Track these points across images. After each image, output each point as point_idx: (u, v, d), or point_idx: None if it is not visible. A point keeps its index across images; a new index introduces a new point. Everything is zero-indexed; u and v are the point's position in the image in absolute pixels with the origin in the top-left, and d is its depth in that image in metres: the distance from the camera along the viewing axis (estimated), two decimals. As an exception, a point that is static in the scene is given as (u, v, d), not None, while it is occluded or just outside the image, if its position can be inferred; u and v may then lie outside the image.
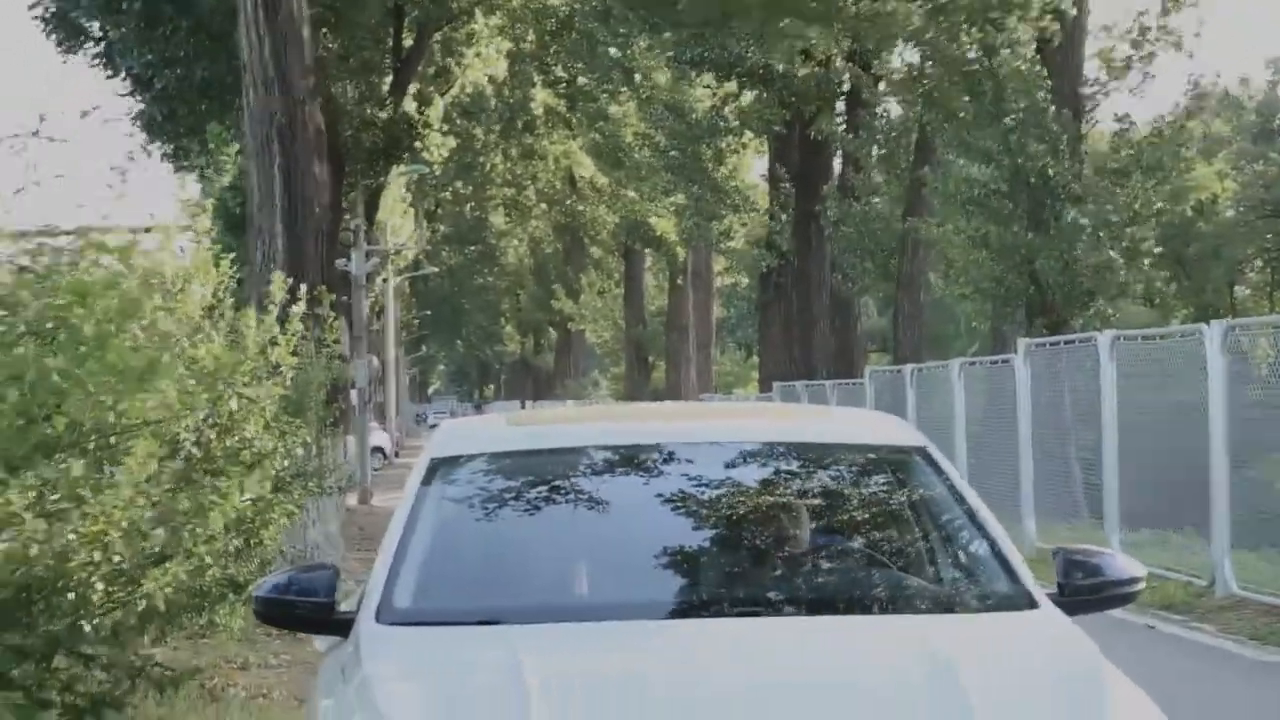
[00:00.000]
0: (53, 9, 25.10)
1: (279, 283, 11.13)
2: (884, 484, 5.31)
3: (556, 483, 5.08)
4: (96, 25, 25.27)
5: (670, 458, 5.17)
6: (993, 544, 4.80)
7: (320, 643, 4.92)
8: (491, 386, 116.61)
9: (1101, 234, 22.61)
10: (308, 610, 4.58)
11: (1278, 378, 13.38)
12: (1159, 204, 23.52)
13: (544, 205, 61.72)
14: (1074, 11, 23.95)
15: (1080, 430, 17.13)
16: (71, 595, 5.86)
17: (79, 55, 26.00)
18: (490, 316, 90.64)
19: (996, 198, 23.43)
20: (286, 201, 16.84)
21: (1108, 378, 15.97)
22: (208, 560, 8.16)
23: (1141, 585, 4.87)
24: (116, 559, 6.16)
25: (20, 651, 5.31)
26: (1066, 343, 18.19)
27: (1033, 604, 4.56)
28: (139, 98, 25.17)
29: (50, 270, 6.47)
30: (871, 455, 5.32)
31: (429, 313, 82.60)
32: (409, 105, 31.15)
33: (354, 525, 22.68)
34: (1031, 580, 4.65)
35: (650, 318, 64.52)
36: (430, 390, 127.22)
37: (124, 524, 6.23)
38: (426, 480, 4.95)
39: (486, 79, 39.96)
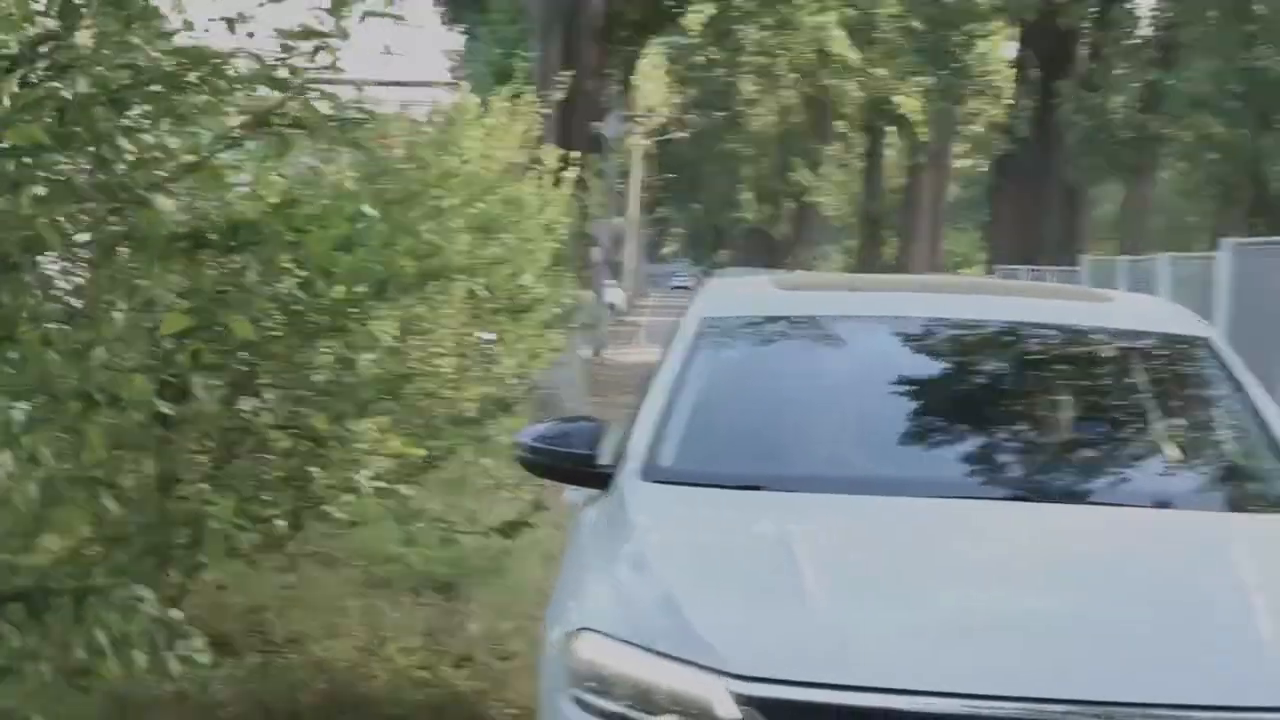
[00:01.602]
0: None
1: (553, 155, 13.17)
2: (1168, 374, 5.17)
3: (826, 352, 5.04)
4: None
5: (947, 335, 5.08)
6: (1277, 442, 4.65)
7: (570, 494, 4.94)
8: (725, 252, 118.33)
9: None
10: (571, 461, 4.57)
11: None
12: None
13: (794, 76, 62.94)
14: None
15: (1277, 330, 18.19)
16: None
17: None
18: (730, 182, 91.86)
19: (1229, 98, 24.24)
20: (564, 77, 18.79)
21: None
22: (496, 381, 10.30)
23: None
24: (446, 372, 8.20)
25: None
26: (1270, 244, 19.21)
27: None
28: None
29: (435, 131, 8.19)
30: (1155, 344, 5.17)
31: (672, 175, 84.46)
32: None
33: (589, 377, 24.79)
34: None
35: (887, 194, 65.41)
36: (665, 252, 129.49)
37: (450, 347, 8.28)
38: (695, 340, 4.88)
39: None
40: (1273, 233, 21.72)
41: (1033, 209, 35.06)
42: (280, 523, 5.51)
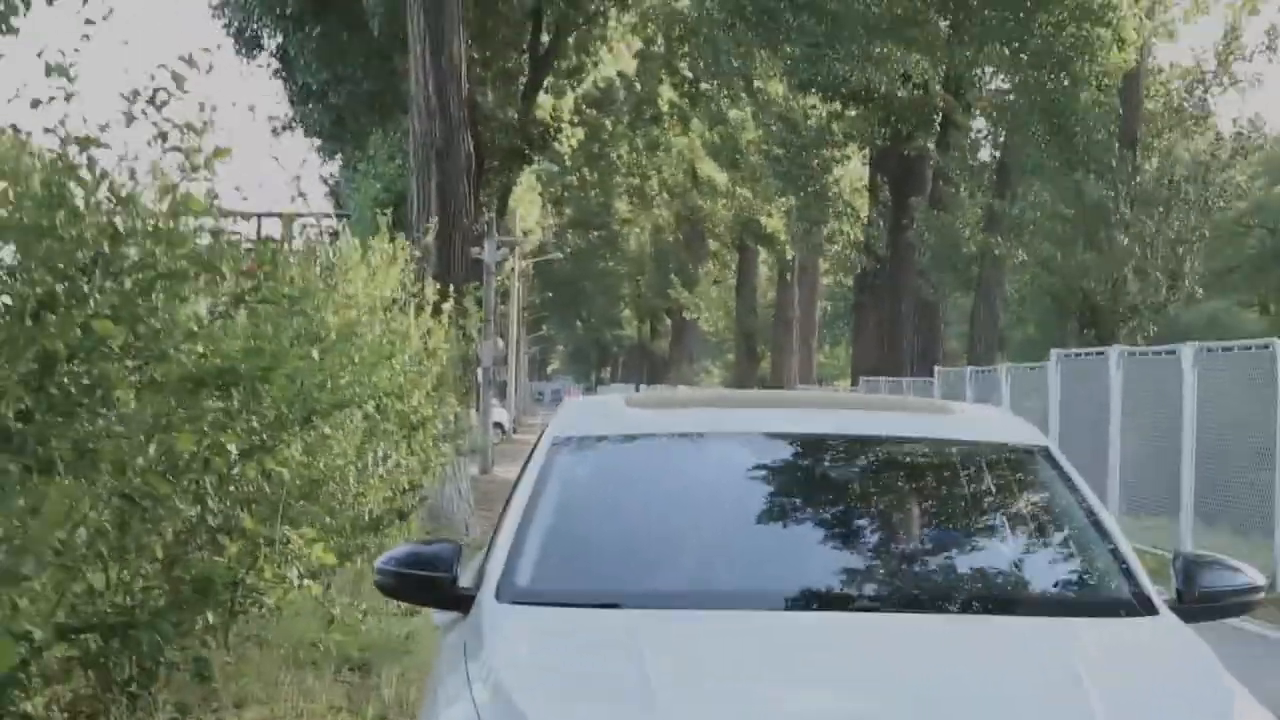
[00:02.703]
0: (236, 23, 29.00)
1: (431, 288, 14.75)
2: (1007, 483, 5.26)
3: (678, 468, 5.12)
4: (275, 41, 29.17)
5: (793, 448, 5.18)
6: (1113, 547, 4.77)
7: (438, 616, 5.12)
8: (608, 368, 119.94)
9: (1147, 254, 25.61)
10: (429, 584, 4.61)
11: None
12: (1203, 232, 26.36)
13: (666, 195, 65.26)
14: (1135, 59, 26.86)
15: (1096, 428, 20.14)
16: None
17: (254, 64, 29.94)
18: (610, 300, 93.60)
19: (1059, 223, 26.48)
20: (441, 212, 20.43)
21: (1115, 386, 19.06)
22: (389, 491, 11.78)
23: (1262, 594, 4.82)
24: (350, 483, 9.67)
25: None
26: (1086, 354, 21.26)
27: (1152, 609, 4.53)
28: (310, 106, 28.99)
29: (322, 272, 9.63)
30: (994, 454, 5.28)
31: (551, 294, 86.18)
32: (543, 100, 34.54)
33: (477, 491, 26.19)
34: (1150, 585, 4.64)
35: (761, 310, 67.66)
36: (550, 370, 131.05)
37: (352, 461, 9.76)
38: (550, 459, 4.95)
39: (617, 74, 43.45)
40: (1103, 343, 23.82)
41: (891, 323, 37.22)
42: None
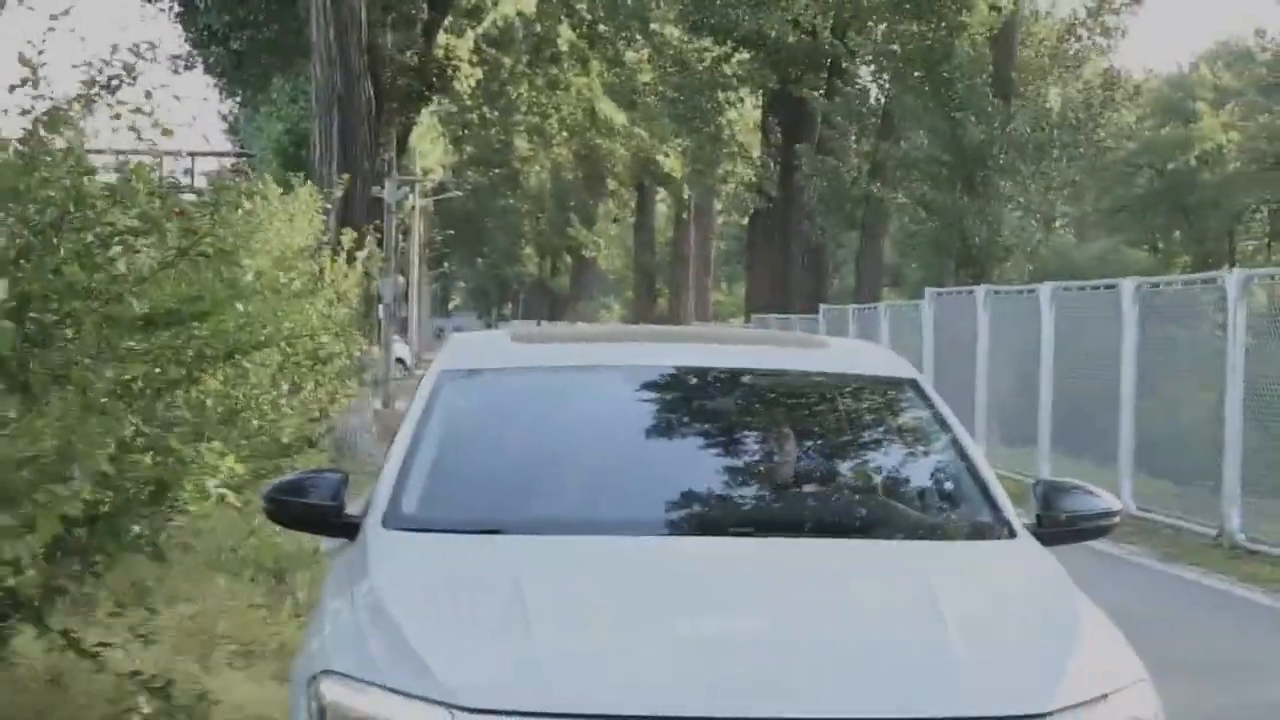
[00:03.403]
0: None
1: (346, 236, 15.67)
2: (876, 413, 5.48)
3: (559, 399, 5.24)
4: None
5: (671, 381, 5.32)
6: (976, 475, 4.95)
7: (326, 542, 4.95)
8: (510, 305, 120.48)
9: (1020, 199, 26.96)
10: (315, 512, 4.74)
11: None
12: (1075, 177, 27.76)
13: (565, 134, 66.03)
14: (1012, 6, 28.12)
15: (967, 363, 21.41)
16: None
17: (155, 6, 30.46)
18: (511, 237, 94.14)
19: (937, 166, 27.73)
20: (342, 155, 21.30)
21: (982, 324, 20.33)
22: (300, 420, 12.73)
23: (1118, 519, 5.02)
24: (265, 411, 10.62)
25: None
26: (957, 293, 22.55)
27: (1011, 533, 4.72)
28: (212, 50, 29.59)
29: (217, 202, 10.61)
30: (865, 385, 5.48)
31: (452, 231, 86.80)
32: (443, 41, 35.21)
33: (379, 423, 27.16)
34: (1011, 510, 4.82)
35: (659, 248, 68.76)
36: (451, 306, 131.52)
37: (266, 391, 10.71)
38: (435, 392, 5.09)
39: (516, 13, 44.10)
40: (977, 282, 25.09)
41: (782, 263, 38.47)
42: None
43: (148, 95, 5.76)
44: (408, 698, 3.63)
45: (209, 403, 8.41)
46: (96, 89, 5.75)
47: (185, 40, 31.06)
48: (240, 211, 12.08)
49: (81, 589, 6.55)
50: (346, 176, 18.85)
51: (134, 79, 5.81)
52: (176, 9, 28.95)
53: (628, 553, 4.38)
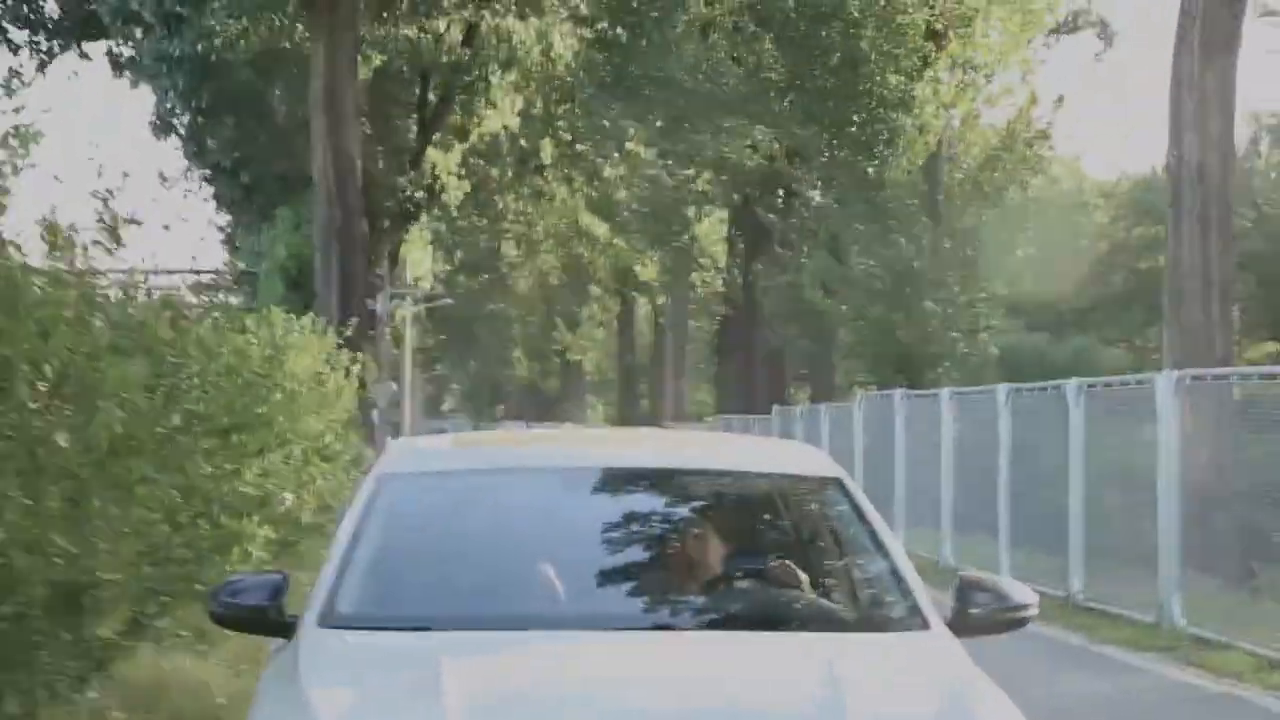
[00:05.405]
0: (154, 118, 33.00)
1: (346, 360, 18.72)
2: (800, 510, 5.65)
3: (491, 501, 5.42)
4: (185, 123, 33.12)
5: (600, 481, 5.49)
6: (895, 570, 5.09)
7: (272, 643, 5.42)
8: (502, 407, 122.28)
9: (949, 311, 30.17)
10: (256, 614, 4.89)
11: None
12: (989, 293, 31.08)
13: (551, 241, 68.99)
14: (937, 143, 31.53)
15: (889, 458, 24.33)
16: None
17: (165, 142, 33.85)
18: (500, 341, 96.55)
19: (875, 281, 30.99)
20: (341, 283, 24.53)
21: (899, 423, 23.36)
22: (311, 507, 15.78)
23: (1034, 611, 5.13)
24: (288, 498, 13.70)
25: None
26: (880, 396, 25.61)
27: (925, 625, 4.85)
28: (221, 181, 32.93)
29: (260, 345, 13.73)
30: (789, 484, 5.63)
31: (443, 336, 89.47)
32: (432, 158, 38.15)
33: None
34: (928, 603, 4.94)
35: (641, 352, 71.73)
36: (444, 408, 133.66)
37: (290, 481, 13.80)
38: (373, 495, 5.24)
39: (502, 127, 47.24)
40: (913, 387, 28.01)
41: (746, 366, 41.64)
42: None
43: (165, 228, 8.59)
44: None
45: (251, 490, 11.48)
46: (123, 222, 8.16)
47: (198, 176, 34.36)
48: (257, 342, 15.22)
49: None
50: (355, 320, 21.85)
51: (139, 223, 8.13)
52: (191, 147, 32.41)
53: (548, 649, 4.57)
